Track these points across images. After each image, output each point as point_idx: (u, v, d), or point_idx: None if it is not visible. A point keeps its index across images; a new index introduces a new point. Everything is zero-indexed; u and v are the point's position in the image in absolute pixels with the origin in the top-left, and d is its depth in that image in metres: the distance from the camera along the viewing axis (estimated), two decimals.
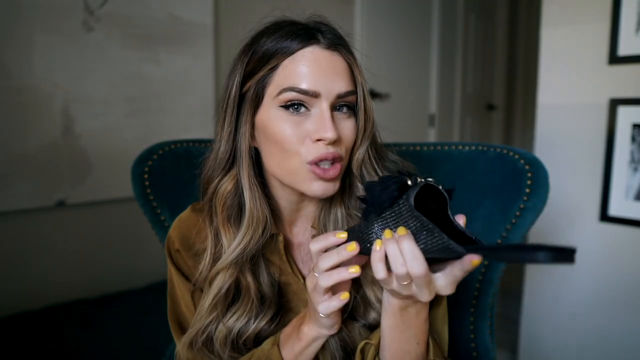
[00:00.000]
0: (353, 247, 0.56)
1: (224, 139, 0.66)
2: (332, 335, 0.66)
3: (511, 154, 0.92)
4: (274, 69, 0.63)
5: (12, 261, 1.55)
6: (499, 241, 0.91)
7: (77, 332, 1.37)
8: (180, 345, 0.69)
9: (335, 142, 0.62)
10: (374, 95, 2.66)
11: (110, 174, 1.72)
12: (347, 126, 0.64)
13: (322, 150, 0.61)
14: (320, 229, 0.70)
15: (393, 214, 0.54)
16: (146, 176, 0.94)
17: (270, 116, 0.63)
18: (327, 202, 0.70)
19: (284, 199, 0.70)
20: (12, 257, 1.55)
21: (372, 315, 0.68)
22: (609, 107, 1.43)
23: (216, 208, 0.68)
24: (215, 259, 0.68)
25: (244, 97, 0.65)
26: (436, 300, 0.71)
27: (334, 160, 0.62)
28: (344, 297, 0.58)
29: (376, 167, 0.69)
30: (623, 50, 1.39)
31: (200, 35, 1.93)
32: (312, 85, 0.61)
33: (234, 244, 0.66)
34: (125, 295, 1.66)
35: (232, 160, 0.67)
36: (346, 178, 0.69)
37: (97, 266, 1.73)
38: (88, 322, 1.42)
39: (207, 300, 0.67)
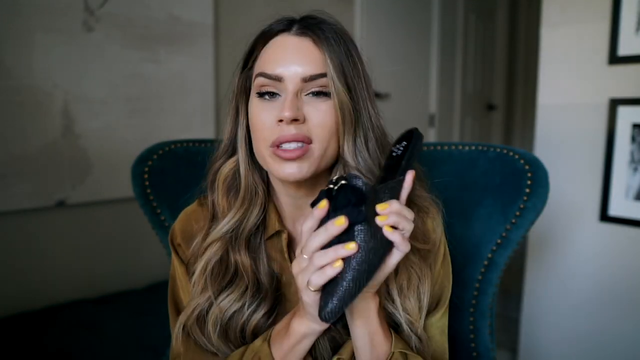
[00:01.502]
0: (341, 222, 0.52)
1: (227, 129, 0.71)
2: (321, 336, 0.64)
3: (511, 154, 0.92)
4: (255, 59, 0.67)
5: (12, 261, 1.55)
6: (499, 240, 0.91)
7: (77, 332, 1.37)
8: (177, 326, 0.69)
9: (299, 123, 0.61)
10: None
11: (110, 174, 1.72)
12: (319, 108, 0.62)
13: (282, 131, 0.61)
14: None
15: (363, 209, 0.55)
16: (146, 176, 0.94)
17: (253, 104, 0.66)
18: None
19: (283, 194, 0.71)
20: (12, 257, 1.55)
21: None
22: (609, 107, 1.43)
23: (217, 186, 0.71)
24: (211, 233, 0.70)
25: (241, 89, 0.69)
26: (433, 308, 0.72)
27: (301, 142, 0.61)
28: (348, 247, 0.52)
29: (367, 157, 0.65)
30: (623, 50, 1.39)
31: (200, 35, 1.93)
32: (275, 69, 0.62)
33: (228, 216, 0.68)
34: (125, 295, 1.66)
35: (233, 148, 0.71)
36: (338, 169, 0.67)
37: (97, 266, 1.73)
38: (88, 322, 1.42)
39: (196, 274, 0.68)
